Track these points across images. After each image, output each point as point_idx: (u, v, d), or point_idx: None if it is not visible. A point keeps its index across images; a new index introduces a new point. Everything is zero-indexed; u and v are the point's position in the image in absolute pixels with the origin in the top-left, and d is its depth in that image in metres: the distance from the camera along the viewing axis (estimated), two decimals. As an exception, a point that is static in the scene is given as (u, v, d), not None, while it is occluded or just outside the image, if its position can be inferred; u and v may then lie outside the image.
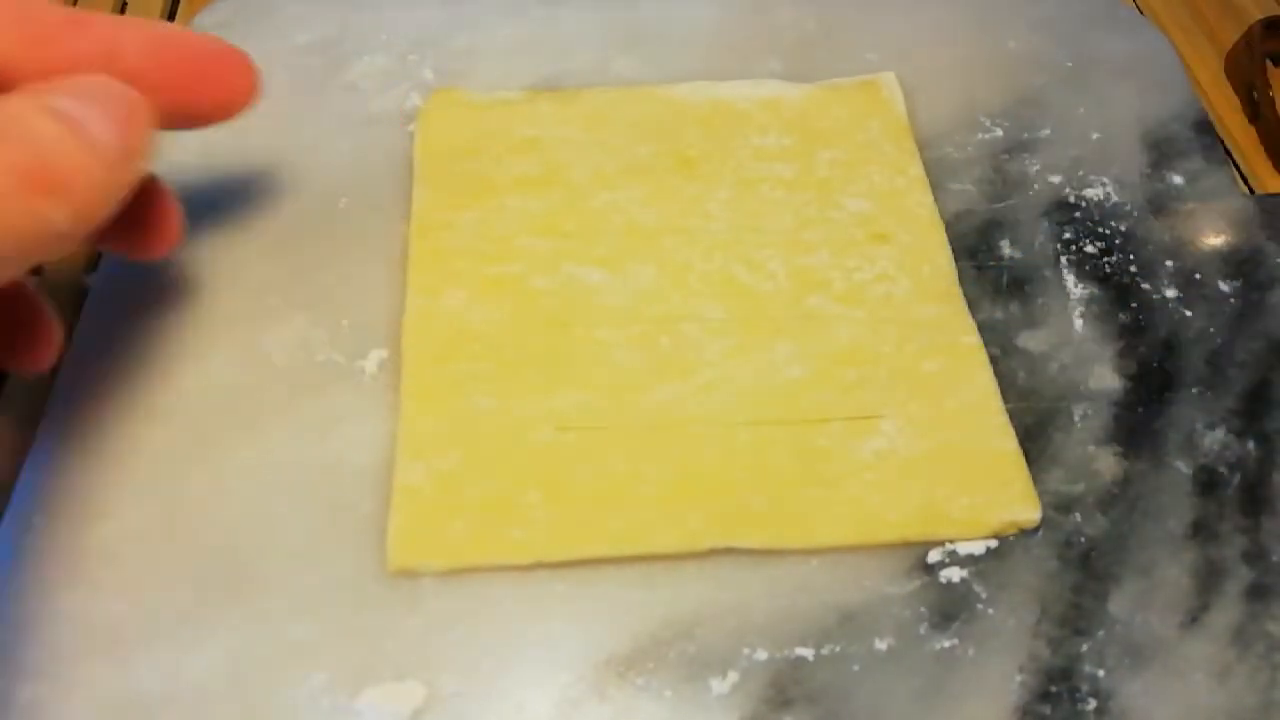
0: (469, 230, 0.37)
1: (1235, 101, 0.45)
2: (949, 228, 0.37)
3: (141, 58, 0.26)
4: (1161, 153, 0.40)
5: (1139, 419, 0.33)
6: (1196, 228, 0.38)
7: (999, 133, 0.41)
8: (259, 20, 0.45)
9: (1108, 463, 0.32)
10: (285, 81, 0.42)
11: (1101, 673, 0.28)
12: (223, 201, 0.38)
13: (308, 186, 0.39)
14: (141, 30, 0.26)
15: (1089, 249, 0.37)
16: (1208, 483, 0.32)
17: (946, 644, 0.29)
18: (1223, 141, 0.42)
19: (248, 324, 0.35)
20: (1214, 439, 0.33)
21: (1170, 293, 0.36)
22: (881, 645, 0.29)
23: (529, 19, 0.45)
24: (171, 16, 0.49)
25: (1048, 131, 0.41)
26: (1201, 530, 0.31)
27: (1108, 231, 0.38)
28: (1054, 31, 0.44)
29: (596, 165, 0.39)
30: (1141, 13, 0.47)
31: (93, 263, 0.39)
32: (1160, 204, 0.39)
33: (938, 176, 0.39)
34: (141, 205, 0.28)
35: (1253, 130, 0.44)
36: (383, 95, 0.42)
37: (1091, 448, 0.32)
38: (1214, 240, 0.38)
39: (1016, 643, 0.29)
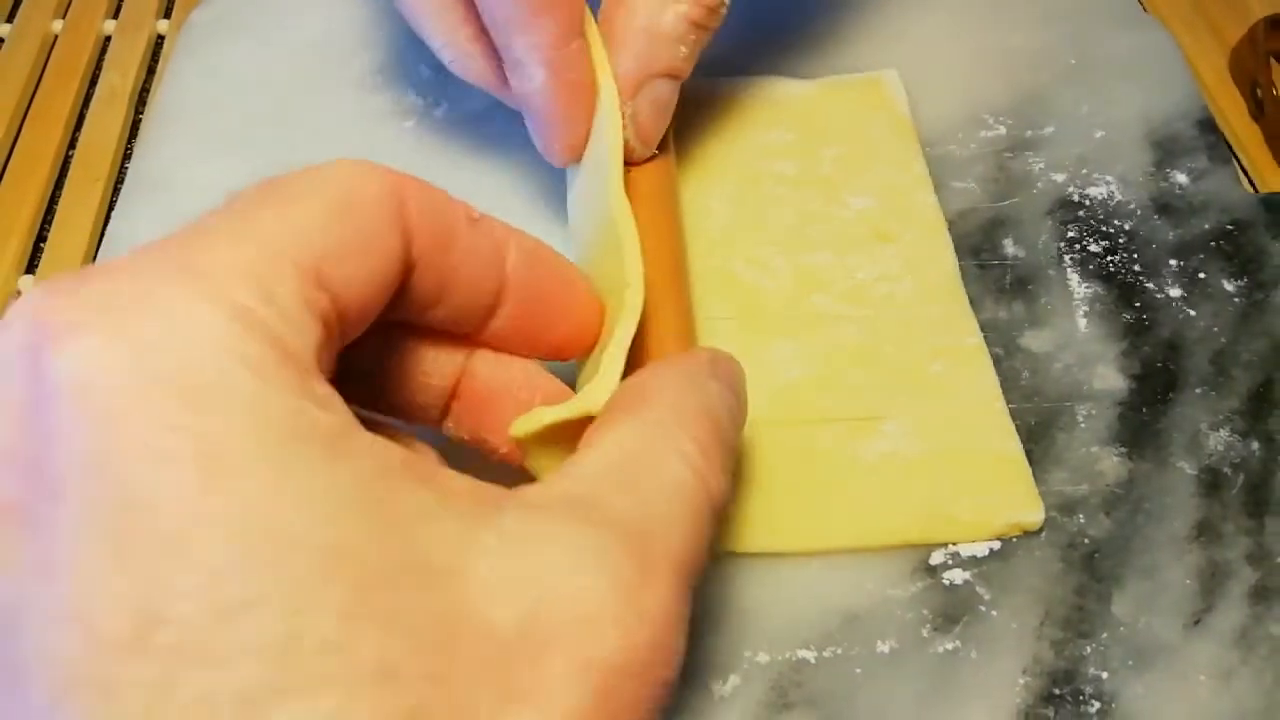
0: (468, 228, 0.36)
1: (1240, 99, 0.45)
2: (951, 226, 0.37)
3: (518, 267, 0.24)
4: (1165, 151, 0.40)
5: (1143, 419, 0.33)
6: (1200, 226, 0.38)
7: (1002, 130, 0.40)
8: (256, 15, 0.44)
9: (1111, 463, 0.32)
10: (284, 78, 0.42)
11: (1105, 675, 0.28)
12: (222, 200, 0.38)
13: (306, 184, 0.38)
14: (520, 236, 0.24)
15: (1093, 248, 0.37)
16: (1212, 484, 0.32)
17: (949, 646, 0.28)
18: (1227, 140, 0.42)
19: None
20: (1218, 439, 0.33)
21: (1174, 292, 0.36)
22: (884, 647, 0.28)
23: (529, 15, 0.44)
24: (168, 14, 0.49)
25: (1051, 129, 0.41)
26: (1205, 531, 0.31)
27: (1111, 230, 0.38)
28: (1057, 28, 0.44)
29: (596, 162, 0.38)
30: (1145, 9, 0.46)
31: (91, 254, 0.39)
32: (1164, 202, 0.38)
33: (940, 174, 0.39)
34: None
35: (1257, 128, 0.44)
36: (382, 92, 0.41)
37: (1095, 448, 0.32)
38: (1218, 239, 0.38)
39: (1020, 645, 0.29)
